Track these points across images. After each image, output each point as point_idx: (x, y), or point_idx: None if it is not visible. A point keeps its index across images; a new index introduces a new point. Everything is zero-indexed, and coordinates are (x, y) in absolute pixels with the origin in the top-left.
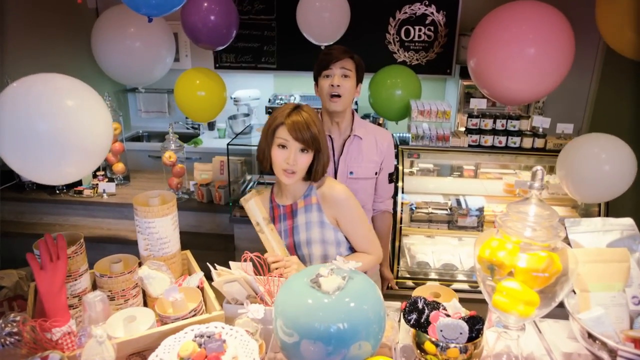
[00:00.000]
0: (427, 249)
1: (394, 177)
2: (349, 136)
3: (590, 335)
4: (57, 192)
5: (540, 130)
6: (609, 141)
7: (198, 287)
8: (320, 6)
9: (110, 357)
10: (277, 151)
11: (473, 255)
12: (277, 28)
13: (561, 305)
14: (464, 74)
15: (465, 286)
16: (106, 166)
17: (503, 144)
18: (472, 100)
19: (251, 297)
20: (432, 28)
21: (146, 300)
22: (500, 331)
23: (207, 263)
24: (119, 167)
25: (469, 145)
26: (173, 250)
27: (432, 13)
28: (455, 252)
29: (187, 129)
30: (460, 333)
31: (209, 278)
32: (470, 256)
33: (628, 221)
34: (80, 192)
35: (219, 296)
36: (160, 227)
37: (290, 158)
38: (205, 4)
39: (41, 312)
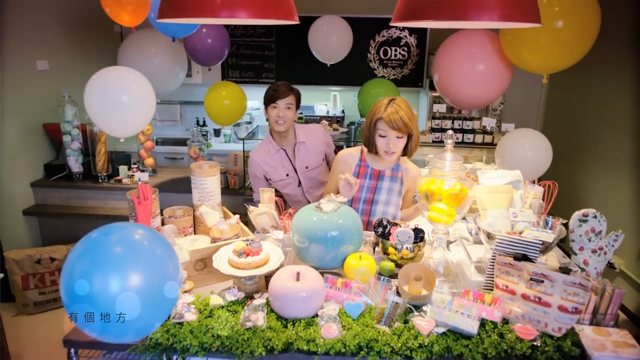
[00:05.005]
0: None
1: None
2: (296, 143)
3: (489, 236)
4: (100, 180)
5: (488, 128)
6: (532, 135)
7: (236, 223)
8: (327, 31)
9: (185, 258)
10: (379, 139)
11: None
12: (276, 49)
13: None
14: (432, 87)
15: None
16: (138, 160)
17: (460, 140)
18: (434, 105)
19: (273, 227)
20: (405, 48)
21: None
22: (436, 237)
23: (245, 204)
24: (149, 161)
25: (433, 141)
26: (217, 201)
27: (405, 36)
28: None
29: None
30: (409, 237)
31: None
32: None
33: (517, 172)
34: (119, 181)
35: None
36: (209, 183)
37: (390, 144)
38: (204, 30)
39: None
